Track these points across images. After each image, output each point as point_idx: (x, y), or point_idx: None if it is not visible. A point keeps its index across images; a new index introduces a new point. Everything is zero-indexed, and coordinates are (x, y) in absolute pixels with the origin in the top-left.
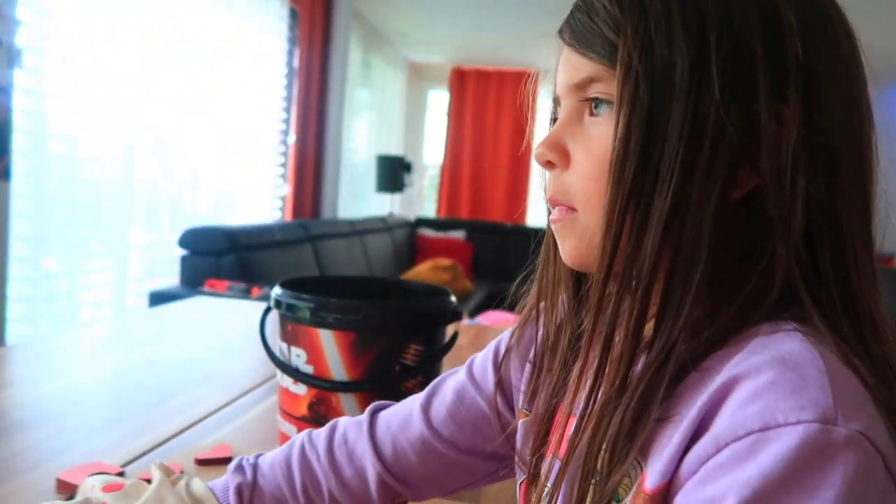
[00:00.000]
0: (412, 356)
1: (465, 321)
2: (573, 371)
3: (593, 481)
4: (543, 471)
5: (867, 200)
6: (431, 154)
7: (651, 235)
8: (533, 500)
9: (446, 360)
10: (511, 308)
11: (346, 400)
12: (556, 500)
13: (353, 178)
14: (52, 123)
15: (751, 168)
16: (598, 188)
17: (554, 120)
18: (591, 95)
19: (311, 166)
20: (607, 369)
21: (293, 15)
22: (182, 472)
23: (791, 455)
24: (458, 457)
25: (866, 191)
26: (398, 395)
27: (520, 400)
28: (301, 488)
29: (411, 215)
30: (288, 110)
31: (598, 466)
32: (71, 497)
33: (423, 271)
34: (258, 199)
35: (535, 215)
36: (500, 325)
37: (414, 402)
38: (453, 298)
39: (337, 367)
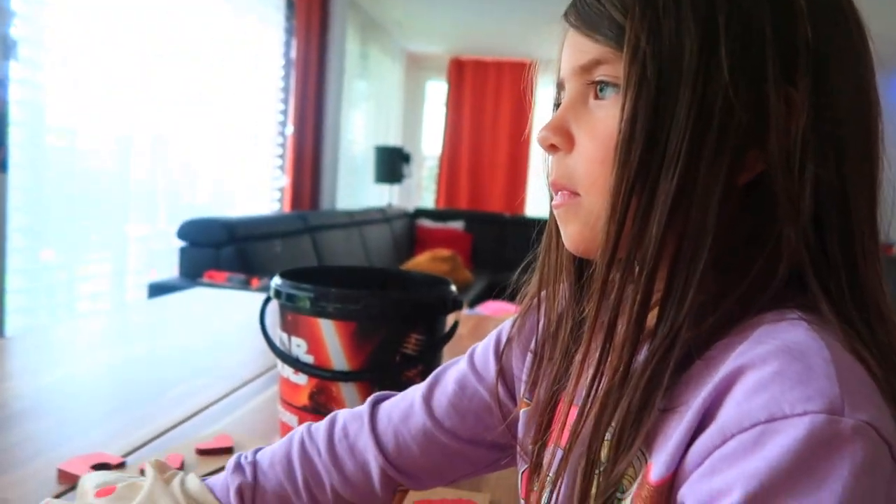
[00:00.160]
0: (413, 346)
1: (465, 311)
2: (575, 359)
3: (597, 471)
4: (545, 460)
5: (873, 186)
6: (430, 145)
7: (656, 219)
8: (535, 489)
9: (447, 349)
10: (511, 298)
11: (346, 389)
12: (559, 489)
13: (351, 169)
14: (49, 115)
15: (759, 151)
16: (602, 172)
17: (557, 105)
18: (597, 78)
19: (310, 157)
20: (610, 357)
21: (290, 5)
22: (182, 465)
23: (798, 446)
24: (461, 447)
25: (873, 177)
26: (399, 385)
27: (521, 389)
28: (303, 484)
29: (410, 206)
30: (286, 101)
31: (602, 456)
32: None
33: (422, 262)
34: (256, 191)
35: (534, 205)
36: (500, 315)
37: (415, 392)
38: (453, 288)
39: (338, 356)
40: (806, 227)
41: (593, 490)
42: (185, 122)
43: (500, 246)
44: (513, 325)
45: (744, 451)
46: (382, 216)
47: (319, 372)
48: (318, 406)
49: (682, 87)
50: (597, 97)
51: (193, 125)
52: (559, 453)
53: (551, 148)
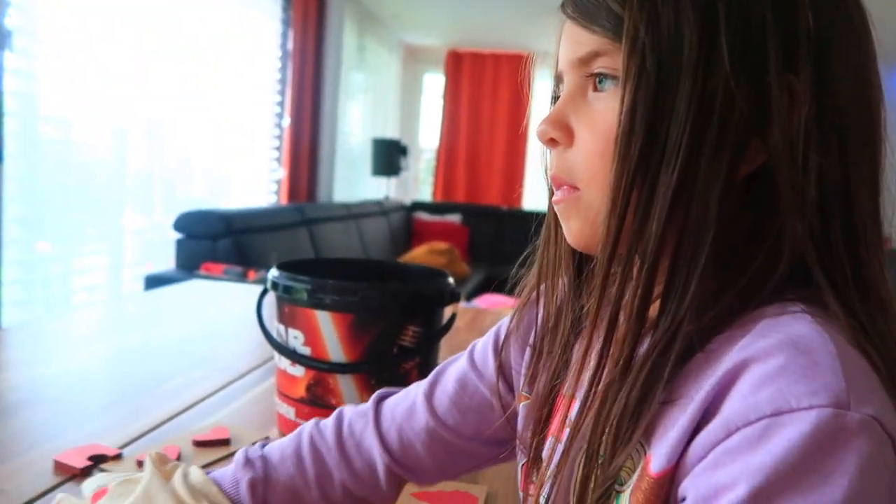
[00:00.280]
0: (410, 338)
1: (462, 304)
2: (575, 353)
3: (597, 463)
4: (545, 453)
5: (875, 174)
6: (427, 137)
7: (657, 213)
8: (534, 482)
9: (444, 342)
10: (509, 291)
11: (343, 381)
12: (559, 482)
13: (348, 161)
14: (44, 106)
15: (760, 142)
16: (602, 166)
17: (555, 99)
18: (596, 70)
19: (307, 149)
20: (612, 350)
21: None
22: (179, 457)
23: (804, 441)
24: (464, 444)
25: (875, 165)
26: (396, 377)
27: (520, 383)
28: (315, 479)
29: (407, 199)
30: (282, 93)
31: (602, 449)
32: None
33: (419, 255)
34: (253, 183)
35: (532, 199)
36: (497, 308)
37: (417, 391)
38: (451, 280)
39: (335, 348)
40: (811, 219)
41: (591, 483)
42: (181, 114)
43: (497, 239)
44: (511, 319)
45: (749, 445)
46: (379, 209)
47: (316, 364)
48: (315, 398)
49: (682, 78)
50: (596, 89)
51: (190, 117)
52: (559, 446)
53: (551, 142)
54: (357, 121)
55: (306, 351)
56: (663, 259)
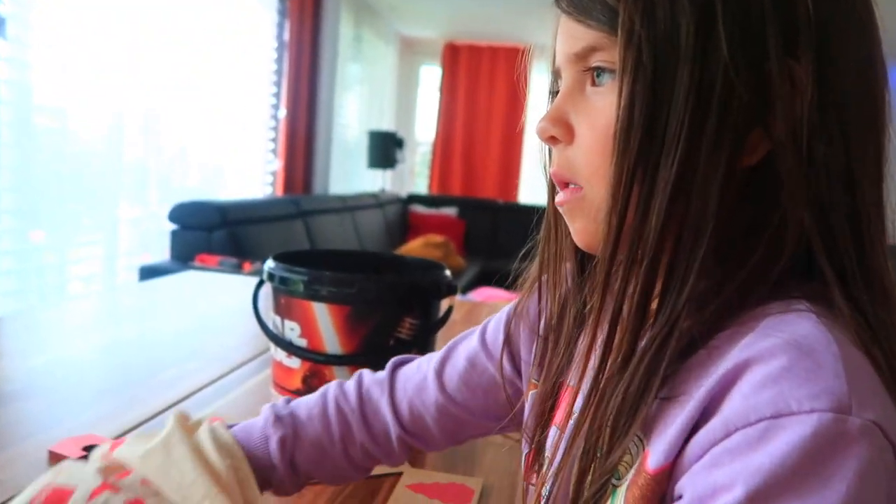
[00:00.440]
0: (407, 330)
1: (458, 297)
2: (579, 347)
3: (596, 456)
4: (548, 444)
5: (880, 163)
6: (423, 130)
7: (657, 207)
8: (537, 473)
9: (440, 334)
10: (508, 285)
11: (340, 373)
12: (561, 474)
13: (344, 153)
14: (38, 95)
15: (762, 132)
16: (603, 162)
17: (554, 94)
18: (593, 65)
19: (303, 141)
20: (614, 345)
21: None
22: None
23: (804, 444)
24: (472, 419)
25: (879, 153)
26: None
27: (528, 370)
28: (339, 439)
29: (403, 192)
30: (278, 84)
31: (600, 442)
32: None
33: (415, 248)
34: (249, 174)
35: (528, 192)
36: (493, 301)
37: (429, 365)
38: (448, 272)
39: (331, 340)
40: (818, 210)
41: (589, 476)
42: (177, 104)
43: (493, 233)
44: (517, 306)
45: (748, 446)
46: (375, 201)
47: (313, 355)
48: (311, 389)
49: (679, 69)
50: (594, 84)
51: (185, 107)
52: (562, 438)
53: (551, 140)
54: (353, 113)
55: (302, 342)
56: (664, 253)
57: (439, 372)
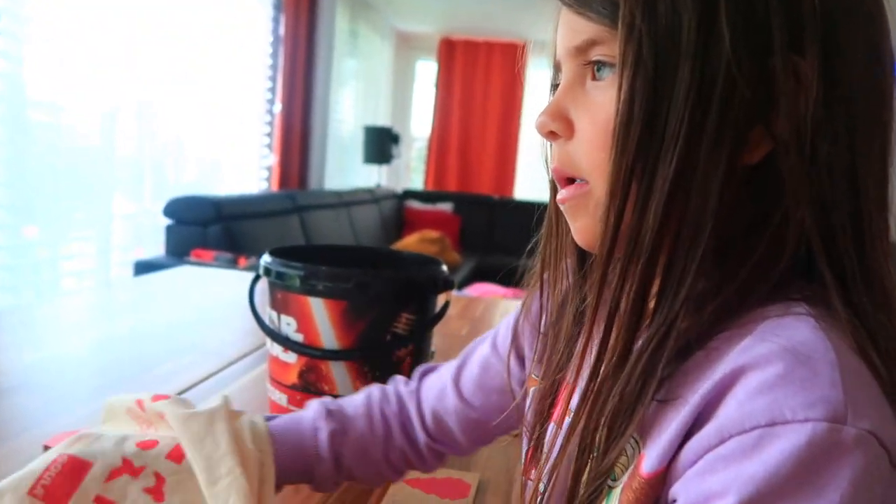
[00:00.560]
0: (404, 325)
1: (453, 293)
2: (577, 346)
3: (592, 456)
4: (547, 439)
5: (885, 162)
6: (419, 125)
7: (654, 205)
8: (536, 468)
9: (437, 330)
10: (501, 280)
11: (336, 368)
12: (557, 472)
13: (340, 148)
14: (31, 90)
15: (764, 129)
16: (605, 157)
17: (555, 87)
18: (593, 59)
19: (298, 136)
20: (610, 345)
21: None
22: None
23: (798, 453)
24: (491, 420)
25: (884, 152)
26: (389, 364)
27: (529, 367)
28: (382, 440)
29: (399, 187)
30: (274, 79)
31: (596, 441)
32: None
33: (411, 243)
34: (244, 169)
35: (524, 188)
36: (489, 297)
37: (448, 373)
38: (444, 268)
39: (328, 335)
40: (819, 210)
41: (584, 477)
42: (171, 99)
43: (488, 228)
44: (522, 307)
45: (742, 454)
46: (371, 197)
47: (309, 350)
48: (308, 385)
49: (680, 64)
50: (594, 78)
51: (180, 101)
52: (560, 435)
53: (550, 135)
54: (349, 108)
55: (299, 337)
56: (662, 252)
57: (456, 379)
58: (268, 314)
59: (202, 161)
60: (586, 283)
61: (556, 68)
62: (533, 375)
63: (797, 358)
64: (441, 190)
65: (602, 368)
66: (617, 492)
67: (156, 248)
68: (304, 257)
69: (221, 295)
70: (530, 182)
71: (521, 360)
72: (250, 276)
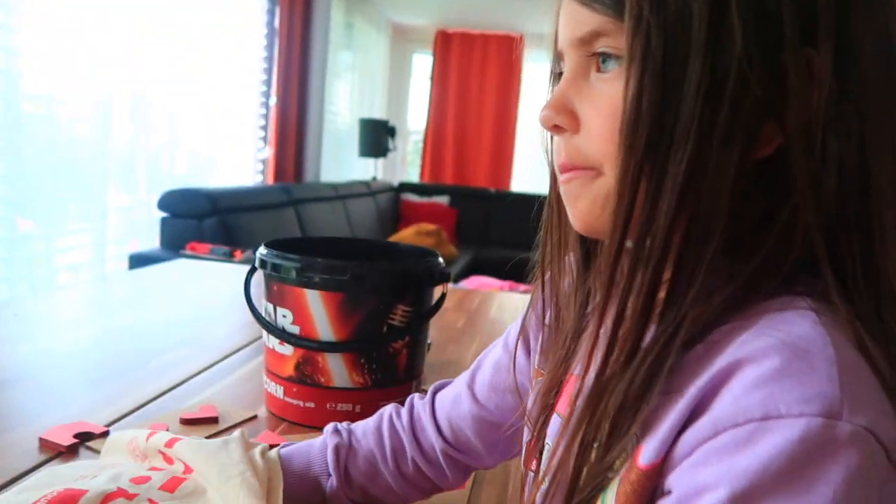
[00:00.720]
0: (400, 317)
1: (450, 286)
2: (582, 341)
3: (594, 450)
4: (549, 432)
5: None
6: (415, 118)
7: (665, 205)
8: (537, 459)
9: (433, 322)
10: (496, 274)
11: (333, 360)
12: (561, 465)
13: (335, 141)
14: (26, 82)
15: (776, 125)
16: (616, 148)
17: (557, 75)
18: (598, 50)
19: (293, 129)
20: (618, 342)
21: None
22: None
23: (791, 449)
24: (506, 422)
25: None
26: (386, 356)
27: (536, 360)
28: (391, 453)
29: (395, 180)
30: (269, 71)
31: (599, 437)
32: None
33: (407, 236)
34: (239, 162)
35: (520, 181)
36: (485, 290)
37: (462, 380)
38: (441, 260)
39: (324, 327)
40: (826, 209)
41: (587, 470)
42: (166, 91)
43: (484, 221)
44: (530, 299)
45: (735, 447)
46: (367, 190)
47: (306, 342)
48: (304, 377)
49: (690, 59)
50: (599, 70)
51: (175, 94)
52: (564, 429)
53: (555, 129)
54: (344, 101)
55: (295, 330)
56: (671, 250)
57: (470, 383)
58: (264, 306)
59: (197, 154)
60: (589, 276)
61: (559, 58)
62: (538, 367)
63: (795, 352)
64: (437, 183)
65: (610, 364)
66: (615, 483)
67: (151, 241)
68: (300, 249)
69: (217, 288)
70: (527, 175)
71: (528, 352)
72: (246, 268)
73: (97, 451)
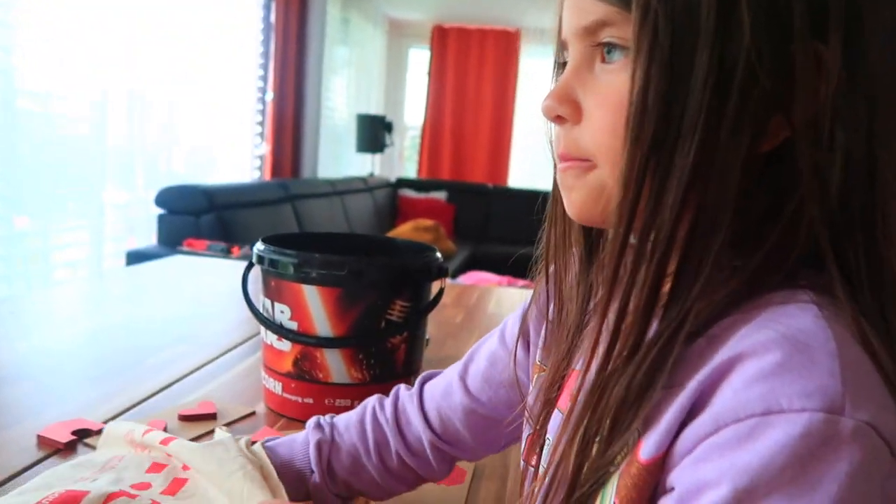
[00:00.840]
0: (398, 313)
1: (448, 281)
2: (584, 336)
3: (595, 445)
4: (551, 427)
5: None
6: (412, 114)
7: (670, 199)
8: (537, 454)
9: (431, 317)
10: (494, 269)
11: (331, 356)
12: (562, 459)
13: (332, 137)
14: (22, 79)
15: (783, 117)
16: (615, 142)
17: (559, 65)
18: (603, 40)
19: (290, 125)
20: (620, 338)
21: None
22: (165, 430)
23: (792, 444)
24: (498, 416)
25: None
26: (384, 352)
27: (536, 355)
28: (374, 446)
29: (392, 176)
30: (265, 67)
31: (600, 432)
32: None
33: (404, 232)
34: (236, 158)
35: (517, 176)
36: (483, 285)
37: (453, 370)
38: (439, 255)
39: (322, 323)
40: (831, 202)
41: (587, 466)
42: (163, 88)
43: (482, 217)
44: (533, 293)
45: (737, 443)
46: (364, 185)
47: (303, 338)
48: (302, 372)
49: (698, 50)
50: (604, 60)
51: (172, 90)
52: (565, 425)
53: (557, 119)
54: (341, 96)
55: (293, 325)
56: (676, 244)
57: (462, 375)
58: (262, 302)
59: (194, 150)
60: (592, 271)
61: (563, 47)
62: (539, 362)
63: (796, 346)
64: (435, 178)
65: (612, 359)
66: (615, 477)
67: (148, 237)
68: (298, 245)
69: (215, 284)
70: (524, 170)
71: (527, 347)
72: (243, 265)
73: (95, 448)
